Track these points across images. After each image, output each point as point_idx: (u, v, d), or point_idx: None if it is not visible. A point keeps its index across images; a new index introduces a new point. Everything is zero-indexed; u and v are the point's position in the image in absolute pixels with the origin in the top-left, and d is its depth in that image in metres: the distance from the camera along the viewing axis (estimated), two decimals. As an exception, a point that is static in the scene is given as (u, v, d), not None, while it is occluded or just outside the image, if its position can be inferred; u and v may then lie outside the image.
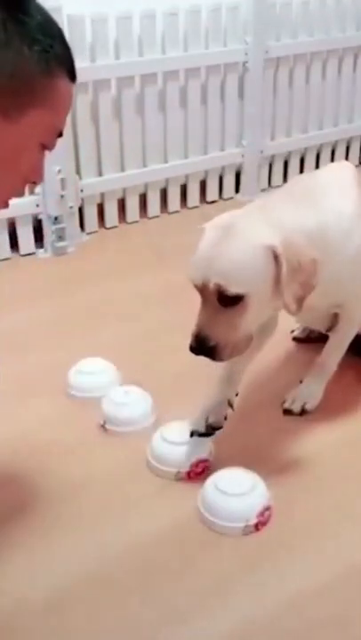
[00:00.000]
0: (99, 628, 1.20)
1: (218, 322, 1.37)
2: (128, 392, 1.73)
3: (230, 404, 1.62)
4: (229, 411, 1.62)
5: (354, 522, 1.42)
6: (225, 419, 1.60)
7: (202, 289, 1.37)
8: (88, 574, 1.31)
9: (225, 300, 1.35)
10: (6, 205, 1.17)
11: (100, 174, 2.83)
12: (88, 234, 2.85)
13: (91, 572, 1.31)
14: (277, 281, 1.34)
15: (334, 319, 1.69)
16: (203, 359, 1.91)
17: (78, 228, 2.80)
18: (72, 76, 1.12)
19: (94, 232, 2.88)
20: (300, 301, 1.37)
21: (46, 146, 1.13)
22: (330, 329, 1.72)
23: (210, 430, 1.57)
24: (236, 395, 1.64)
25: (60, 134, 1.15)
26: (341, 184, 1.55)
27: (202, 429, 1.57)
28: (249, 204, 1.51)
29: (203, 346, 1.38)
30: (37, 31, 1.04)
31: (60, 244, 2.70)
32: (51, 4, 2.35)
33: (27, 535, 1.39)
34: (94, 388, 1.80)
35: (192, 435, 1.57)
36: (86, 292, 2.40)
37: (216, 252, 1.35)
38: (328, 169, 1.66)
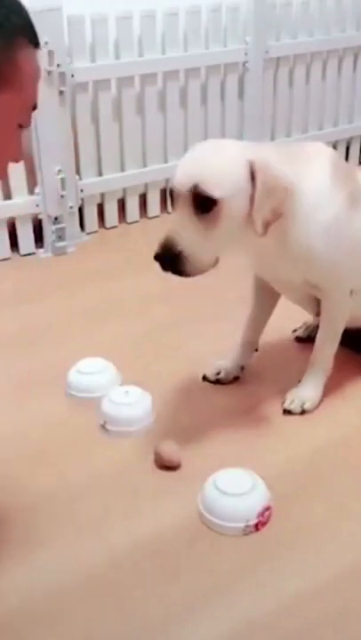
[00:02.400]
0: (99, 629, 1.20)
1: (189, 230, 1.40)
2: (128, 392, 1.73)
3: (242, 368, 1.86)
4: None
5: (354, 522, 1.42)
6: (234, 379, 1.85)
7: (178, 192, 1.41)
8: (88, 574, 1.30)
9: (199, 204, 1.39)
10: None
11: (100, 174, 2.83)
12: (88, 234, 2.85)
13: (90, 573, 1.31)
14: (252, 199, 1.41)
15: (319, 304, 1.71)
16: (201, 360, 1.92)
17: (78, 228, 2.80)
18: (35, 42, 1.04)
19: (94, 232, 2.88)
20: (266, 225, 1.44)
21: (22, 124, 1.10)
22: (319, 314, 1.74)
23: (217, 382, 1.84)
24: (256, 350, 1.88)
25: (35, 107, 1.11)
26: (322, 161, 1.59)
27: (212, 378, 1.84)
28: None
29: (168, 252, 1.40)
30: None
31: (60, 243, 2.70)
32: (51, 3, 2.39)
33: (25, 536, 1.39)
34: (94, 387, 1.80)
35: (204, 379, 1.84)
36: (86, 292, 2.40)
37: (201, 157, 1.44)
38: (313, 144, 1.68)
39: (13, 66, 1.00)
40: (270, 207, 1.43)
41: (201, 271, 1.44)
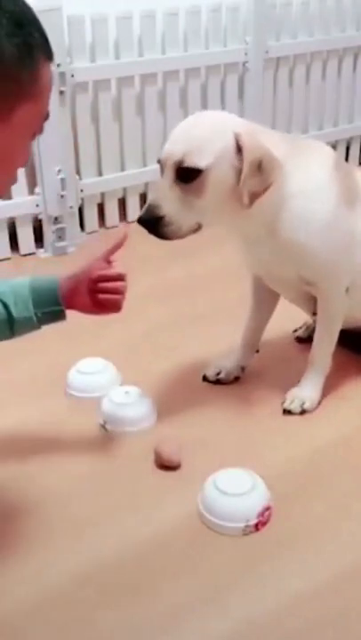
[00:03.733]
0: (98, 629, 1.20)
1: (172, 196, 1.45)
2: (128, 392, 1.72)
3: (243, 369, 1.85)
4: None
5: (354, 522, 1.42)
6: (234, 379, 1.85)
7: (164, 162, 1.46)
8: (87, 574, 1.30)
9: (183, 173, 1.44)
10: (5, 192, 1.24)
11: (100, 174, 2.83)
12: (88, 234, 2.85)
13: (90, 573, 1.31)
14: (238, 171, 1.43)
15: (316, 302, 1.71)
16: (201, 360, 1.92)
17: (78, 228, 2.80)
18: (51, 56, 1.09)
19: (94, 232, 2.88)
20: (253, 197, 1.46)
21: (36, 133, 1.14)
22: (316, 313, 1.74)
23: (217, 382, 1.84)
24: (257, 351, 1.88)
25: (47, 117, 1.15)
26: (322, 158, 1.61)
27: (212, 378, 1.84)
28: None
29: (151, 215, 1.46)
30: (15, 24, 0.99)
31: (60, 243, 2.70)
32: (51, 3, 2.39)
33: (25, 535, 1.39)
34: (94, 388, 1.80)
35: (204, 379, 1.83)
36: (86, 291, 2.40)
37: (186, 129, 1.48)
38: (316, 143, 1.69)
39: (35, 79, 1.05)
40: (259, 178, 1.45)
41: (181, 236, 1.50)
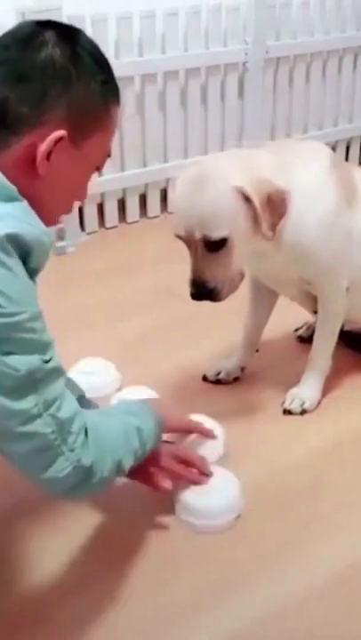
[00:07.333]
0: (98, 628, 1.20)
1: (210, 265, 1.49)
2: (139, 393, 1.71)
3: (243, 369, 1.86)
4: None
5: (354, 522, 1.42)
6: (234, 379, 1.86)
7: (187, 240, 1.49)
8: (87, 574, 1.30)
9: (211, 246, 1.47)
10: (58, 222, 1.28)
11: (100, 174, 2.83)
12: (88, 234, 2.85)
13: (90, 572, 1.31)
14: (254, 216, 1.46)
15: (316, 300, 1.72)
16: (202, 360, 1.92)
17: (78, 228, 2.80)
18: (119, 101, 1.21)
19: (94, 232, 2.88)
20: (273, 227, 1.49)
21: (99, 167, 1.23)
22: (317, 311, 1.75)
23: (218, 383, 1.85)
24: (257, 351, 1.89)
25: (109, 155, 1.24)
26: (320, 158, 1.62)
27: (212, 379, 1.85)
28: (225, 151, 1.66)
29: (202, 290, 1.51)
30: (96, 64, 1.13)
31: (60, 243, 2.70)
32: (51, 3, 2.38)
33: (22, 535, 1.39)
34: (94, 388, 1.79)
35: (204, 379, 1.85)
36: (86, 291, 2.40)
37: (192, 203, 1.46)
38: (312, 143, 1.72)
39: (107, 114, 1.17)
40: (272, 211, 1.47)
41: (234, 290, 1.55)
